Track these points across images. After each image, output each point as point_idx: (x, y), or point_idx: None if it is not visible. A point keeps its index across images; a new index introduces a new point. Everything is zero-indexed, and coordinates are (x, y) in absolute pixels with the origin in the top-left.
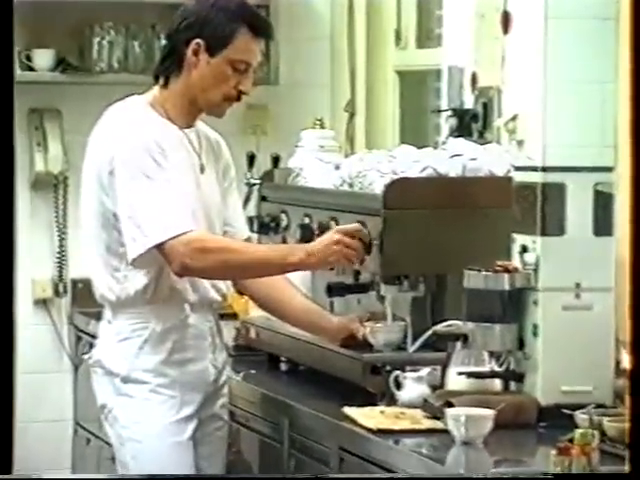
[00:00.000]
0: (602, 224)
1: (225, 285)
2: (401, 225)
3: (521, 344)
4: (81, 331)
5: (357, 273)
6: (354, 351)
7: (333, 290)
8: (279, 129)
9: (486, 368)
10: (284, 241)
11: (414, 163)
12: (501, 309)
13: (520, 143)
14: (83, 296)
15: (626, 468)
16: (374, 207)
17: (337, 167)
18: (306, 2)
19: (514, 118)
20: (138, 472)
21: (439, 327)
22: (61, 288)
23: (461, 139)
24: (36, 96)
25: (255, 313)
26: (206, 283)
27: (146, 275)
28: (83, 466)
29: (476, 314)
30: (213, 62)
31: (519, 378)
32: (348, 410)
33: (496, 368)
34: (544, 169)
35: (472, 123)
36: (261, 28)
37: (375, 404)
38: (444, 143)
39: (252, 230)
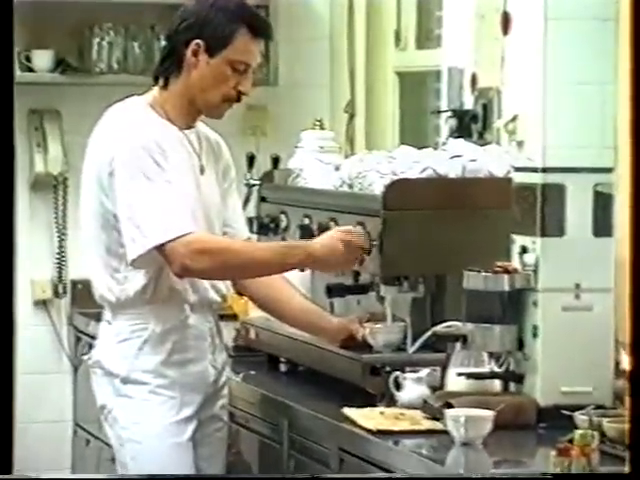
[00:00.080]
0: (602, 225)
1: (225, 286)
2: (401, 226)
3: (521, 345)
4: (81, 332)
5: (357, 274)
6: (354, 352)
7: (333, 291)
8: (279, 130)
9: (486, 369)
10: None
11: (414, 164)
12: (501, 310)
13: (520, 144)
14: (83, 297)
15: (626, 469)
16: (374, 208)
17: (337, 168)
18: (305, 3)
19: (514, 119)
20: (138, 473)
21: (439, 328)
22: (61, 289)
23: (461, 140)
24: (36, 97)
25: (255, 314)
26: (206, 284)
27: (145, 276)
28: (83, 467)
29: (476, 315)
30: (213, 63)
31: (519, 379)
32: (348, 411)
33: (496, 369)
34: (544, 170)
35: (472, 124)
36: (261, 29)
37: (375, 405)
38: (444, 144)
39: (252, 231)
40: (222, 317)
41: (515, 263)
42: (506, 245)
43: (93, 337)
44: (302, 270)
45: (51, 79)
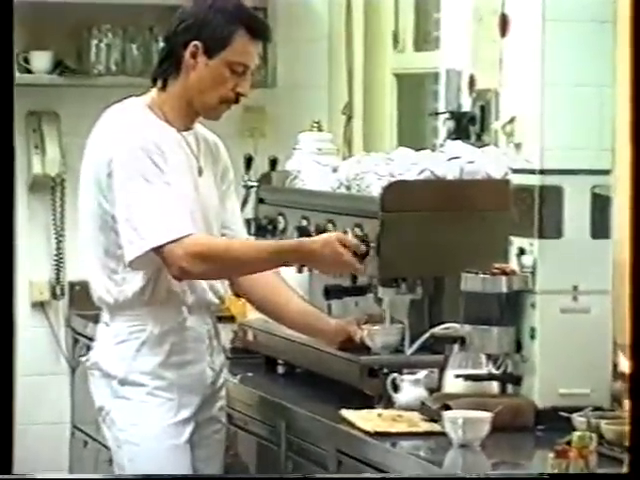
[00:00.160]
0: (599, 227)
1: (223, 288)
2: (399, 228)
3: (518, 347)
4: (78, 334)
5: (355, 276)
6: (351, 354)
7: (331, 293)
8: (277, 131)
9: (483, 371)
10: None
11: (412, 166)
12: (499, 312)
13: (518, 146)
14: (80, 298)
15: (624, 470)
16: (372, 210)
17: (335, 170)
18: (304, 4)
19: (512, 121)
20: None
21: (437, 330)
22: (58, 291)
23: (459, 142)
24: (34, 98)
25: (252, 316)
26: (204, 285)
27: (144, 277)
28: (80, 469)
29: (473, 317)
30: (211, 64)
31: (516, 381)
32: (345, 413)
33: (493, 371)
34: (541, 172)
35: (470, 126)
36: (259, 30)
37: (372, 407)
38: (442, 146)
39: (249, 232)
40: (220, 319)
41: (513, 265)
42: (504, 247)
43: (91, 339)
44: (300, 271)
45: (49, 81)
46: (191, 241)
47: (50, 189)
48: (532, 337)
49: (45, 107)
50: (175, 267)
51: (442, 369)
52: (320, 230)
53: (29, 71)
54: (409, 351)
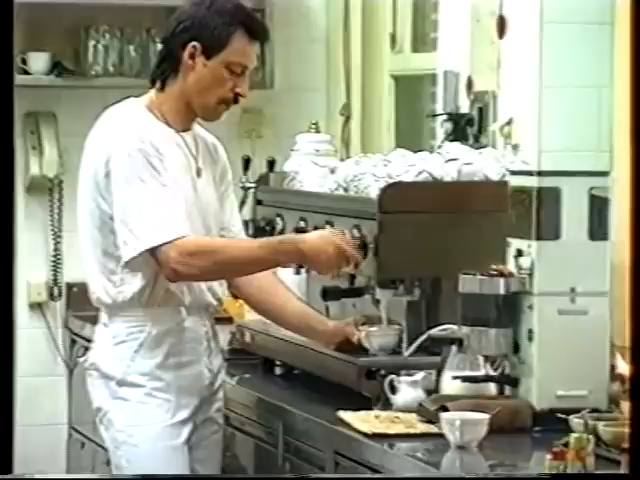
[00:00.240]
0: (597, 228)
1: (221, 289)
2: (396, 229)
3: (516, 348)
4: (76, 335)
5: (352, 277)
6: (349, 355)
7: (328, 294)
8: (274, 133)
9: (481, 372)
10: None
11: (409, 167)
12: (496, 313)
13: (515, 147)
14: (78, 300)
15: (621, 471)
16: (369, 211)
17: (332, 171)
18: (301, 6)
19: (509, 122)
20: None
21: (434, 331)
22: (56, 292)
23: (456, 143)
24: (31, 100)
25: (250, 317)
26: (202, 286)
27: (142, 278)
28: (78, 470)
29: (471, 318)
30: (210, 65)
31: (514, 382)
32: (343, 414)
33: (491, 372)
34: (539, 173)
35: (467, 127)
36: (257, 31)
37: (370, 408)
38: (439, 147)
39: (247, 234)
40: (217, 320)
41: (511, 266)
42: (502, 248)
43: (88, 340)
44: (298, 273)
45: (47, 82)
46: (185, 243)
47: (48, 190)
48: (530, 339)
49: (43, 108)
50: (168, 269)
51: (440, 371)
52: None
53: (27, 72)
54: (407, 352)
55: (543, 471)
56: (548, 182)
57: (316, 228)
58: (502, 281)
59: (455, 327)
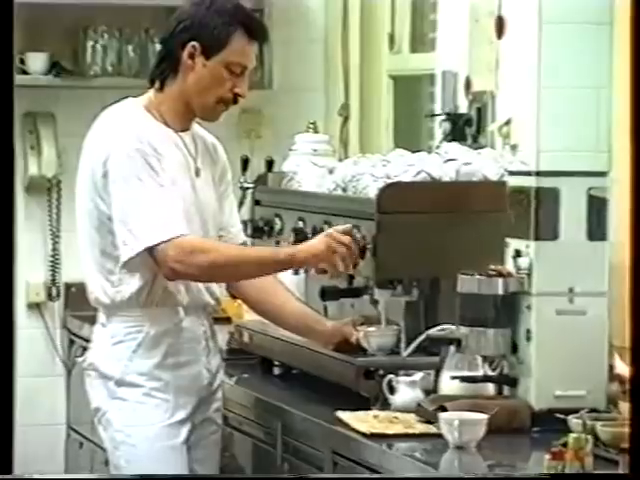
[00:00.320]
0: (596, 229)
1: (219, 289)
2: (395, 229)
3: (514, 348)
4: (74, 335)
5: (351, 277)
6: (347, 355)
7: (327, 294)
8: (273, 133)
9: (479, 372)
10: (277, 245)
11: (408, 167)
12: (494, 313)
13: (514, 147)
14: (76, 300)
15: (620, 471)
16: (368, 211)
17: (331, 171)
18: (300, 6)
19: (508, 122)
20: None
21: (432, 331)
22: (54, 292)
23: (455, 143)
24: (30, 100)
25: (248, 317)
26: (200, 286)
27: (140, 278)
28: (76, 470)
29: (469, 318)
30: (209, 65)
31: (512, 383)
32: (341, 414)
33: (489, 372)
34: (538, 173)
35: (466, 127)
36: (257, 31)
37: (368, 408)
38: (438, 147)
39: (246, 234)
40: (216, 320)
41: (509, 267)
42: (500, 249)
43: (86, 340)
44: (296, 273)
45: (45, 82)
46: (183, 241)
47: (46, 190)
48: (528, 339)
49: (41, 108)
50: (166, 267)
51: (438, 371)
52: (316, 231)
53: (25, 72)
54: (405, 353)
55: (542, 471)
56: (547, 182)
57: (314, 228)
58: (500, 281)
59: (453, 327)
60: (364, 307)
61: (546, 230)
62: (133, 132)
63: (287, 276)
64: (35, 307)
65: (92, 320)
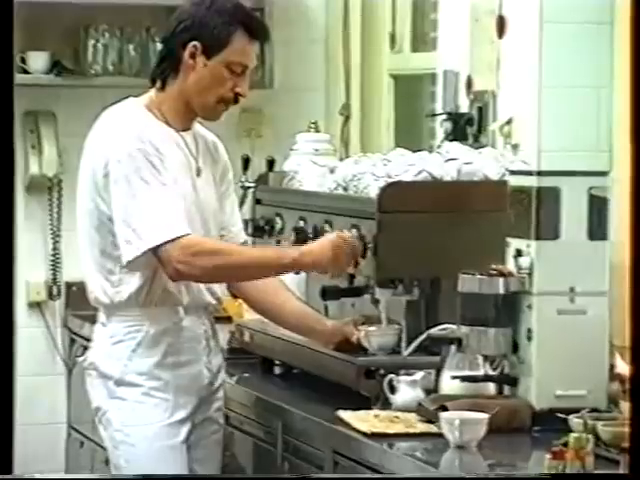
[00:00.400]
0: (596, 228)
1: (220, 288)
2: (396, 229)
3: (515, 348)
4: (75, 334)
5: (352, 277)
6: (348, 355)
7: (327, 293)
8: (274, 132)
9: (480, 372)
10: (278, 244)
11: (409, 167)
12: (495, 313)
13: (515, 147)
14: (77, 299)
15: (620, 471)
16: (369, 210)
17: (332, 170)
18: (301, 5)
19: (509, 122)
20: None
21: (433, 331)
22: (55, 291)
23: (456, 143)
24: (31, 99)
25: (249, 316)
26: (201, 286)
27: (140, 278)
28: (77, 469)
29: (470, 318)
30: (210, 64)
31: (513, 382)
32: (342, 414)
33: (490, 372)
34: (539, 173)
35: (467, 127)
36: (257, 30)
37: (369, 408)
38: (439, 147)
39: (247, 233)
40: (216, 319)
41: (510, 266)
42: (501, 248)
43: (87, 339)
44: (297, 273)
45: (46, 81)
46: (187, 241)
47: (47, 189)
48: (529, 338)
49: (42, 107)
50: (170, 268)
51: (439, 370)
52: (317, 231)
53: (26, 71)
54: (406, 352)
55: (542, 471)
56: (547, 182)
57: (315, 227)
58: (501, 281)
59: (454, 327)
60: (365, 306)
61: (547, 230)
62: (134, 132)
63: (288, 275)
64: (36, 306)
65: (93, 319)
